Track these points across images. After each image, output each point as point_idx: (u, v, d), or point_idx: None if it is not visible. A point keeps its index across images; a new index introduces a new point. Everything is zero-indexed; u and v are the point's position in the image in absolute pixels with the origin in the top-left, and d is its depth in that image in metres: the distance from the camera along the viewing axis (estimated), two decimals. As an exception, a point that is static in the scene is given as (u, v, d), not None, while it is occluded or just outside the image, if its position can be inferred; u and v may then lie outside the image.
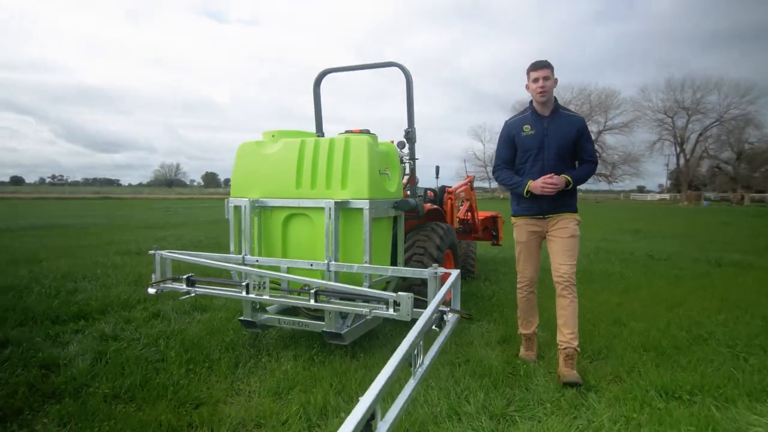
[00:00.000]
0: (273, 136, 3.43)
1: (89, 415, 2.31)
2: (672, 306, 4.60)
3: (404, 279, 3.63)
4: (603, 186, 57.36)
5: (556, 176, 2.95)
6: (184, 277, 3.23)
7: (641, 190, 77.34)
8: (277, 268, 3.11)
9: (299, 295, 3.09)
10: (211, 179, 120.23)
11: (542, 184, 2.94)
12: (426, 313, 2.07)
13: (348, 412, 1.87)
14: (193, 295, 3.23)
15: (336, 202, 2.99)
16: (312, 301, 2.82)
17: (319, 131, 4.34)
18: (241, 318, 3.32)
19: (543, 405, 2.49)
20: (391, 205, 3.34)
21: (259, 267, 3.15)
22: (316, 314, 3.31)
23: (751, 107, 47.22)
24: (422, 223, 4.33)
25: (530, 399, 2.58)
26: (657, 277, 6.23)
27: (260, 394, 2.61)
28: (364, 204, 3.02)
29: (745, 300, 4.83)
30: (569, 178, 2.98)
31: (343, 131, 3.56)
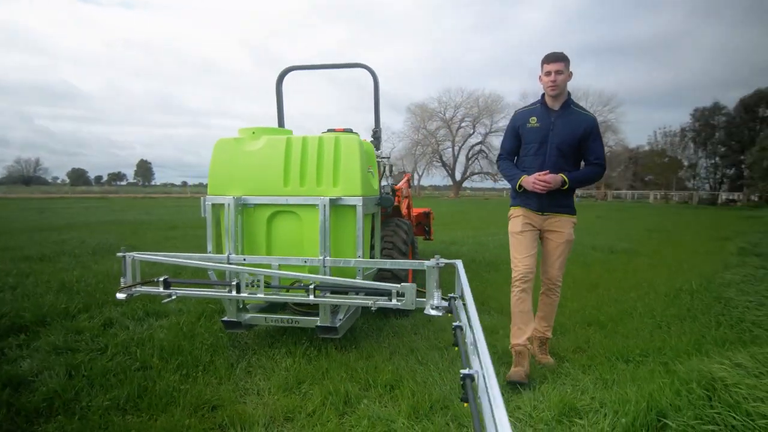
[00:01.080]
0: (253, 132, 3.38)
1: (98, 429, 2.16)
2: (590, 288, 5.30)
3: (383, 270, 3.80)
4: (489, 184, 62.09)
5: (551, 174, 2.83)
6: (161, 279, 3.07)
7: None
8: (267, 266, 3.10)
9: (287, 292, 3.12)
10: (79, 176, 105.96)
11: (534, 180, 2.83)
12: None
13: (370, 398, 1.98)
14: (174, 297, 3.08)
15: (331, 199, 3.07)
16: (311, 297, 2.88)
17: (280, 125, 4.32)
18: (225, 319, 3.23)
19: (532, 378, 2.83)
20: (375, 201, 3.48)
21: (249, 265, 3.11)
22: (306, 310, 3.34)
23: (611, 115, 54.23)
24: (383, 219, 4.52)
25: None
26: (569, 263, 7.06)
27: (271, 392, 2.62)
28: (358, 201, 3.13)
29: (645, 280, 5.73)
30: (565, 178, 2.85)
31: (325, 130, 3.61)
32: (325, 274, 3.07)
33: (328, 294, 2.96)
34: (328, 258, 3.08)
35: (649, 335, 3.55)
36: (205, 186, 3.45)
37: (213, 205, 3.28)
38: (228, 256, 3.18)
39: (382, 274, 3.91)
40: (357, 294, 2.98)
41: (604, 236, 10.85)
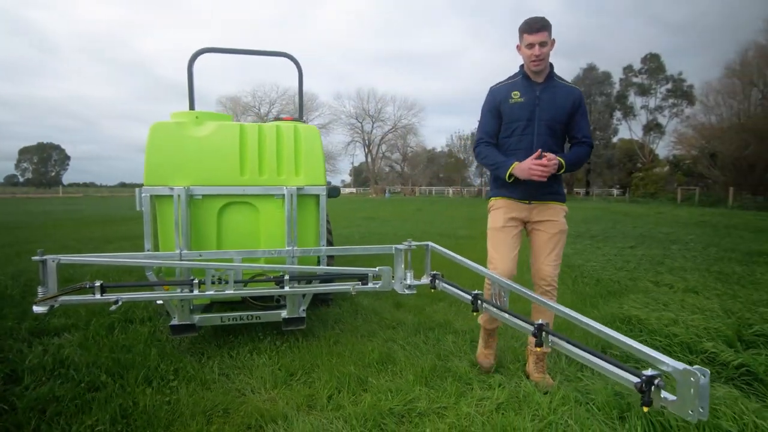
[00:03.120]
0: (197, 117, 3.09)
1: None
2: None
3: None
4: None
5: (551, 155, 2.41)
6: (97, 284, 2.63)
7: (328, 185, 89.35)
8: (229, 261, 2.90)
9: (245, 286, 2.98)
10: None
11: (531, 165, 2.40)
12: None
13: (372, 376, 2.16)
14: (120, 304, 2.66)
15: (297, 189, 3.04)
16: (287, 288, 2.84)
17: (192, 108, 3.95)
18: (174, 323, 2.91)
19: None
20: (325, 191, 3.52)
21: (210, 260, 2.87)
22: (264, 304, 3.22)
23: (414, 119, 60.64)
24: None
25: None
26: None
27: (267, 387, 2.52)
28: (321, 190, 3.16)
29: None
30: (563, 161, 2.46)
31: (272, 119, 3.48)
32: (293, 264, 3.04)
33: (302, 284, 2.94)
34: (296, 248, 3.04)
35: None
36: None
37: (152, 197, 2.91)
38: (180, 253, 2.87)
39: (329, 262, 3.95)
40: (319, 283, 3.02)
41: (439, 225, 12.29)
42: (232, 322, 3.06)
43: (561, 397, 2.27)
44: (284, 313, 3.08)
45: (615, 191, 43.71)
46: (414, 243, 3.08)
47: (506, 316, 2.24)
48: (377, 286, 2.96)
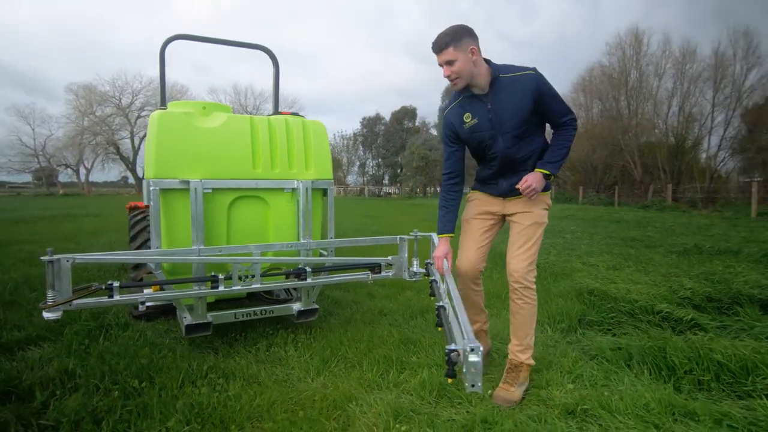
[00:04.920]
0: (204, 108, 2.97)
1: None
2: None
3: None
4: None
5: (530, 176, 2.26)
6: (116, 284, 2.45)
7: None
8: (249, 254, 2.86)
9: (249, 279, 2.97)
10: None
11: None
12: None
13: (409, 357, 2.41)
14: (145, 306, 2.51)
15: (313, 182, 3.10)
16: (310, 280, 2.91)
17: (163, 101, 3.70)
18: (191, 323, 2.77)
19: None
20: (333, 184, 3.58)
21: (230, 255, 2.80)
22: (269, 297, 3.20)
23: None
24: None
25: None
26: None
27: (315, 375, 2.57)
28: (329, 184, 3.25)
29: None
30: (545, 171, 2.28)
31: (271, 112, 3.43)
32: (308, 257, 3.09)
33: (320, 275, 3.02)
34: (311, 241, 3.10)
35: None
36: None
37: (162, 190, 2.75)
38: (198, 249, 2.76)
39: None
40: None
41: (346, 223, 12.54)
42: (245, 318, 3.01)
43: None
44: (297, 306, 3.12)
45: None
46: (420, 233, 3.32)
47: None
48: (390, 274, 3.16)
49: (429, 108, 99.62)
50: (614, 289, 3.62)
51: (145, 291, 2.76)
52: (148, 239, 3.38)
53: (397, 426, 2.02)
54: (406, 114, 51.76)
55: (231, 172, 2.94)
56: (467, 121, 2.37)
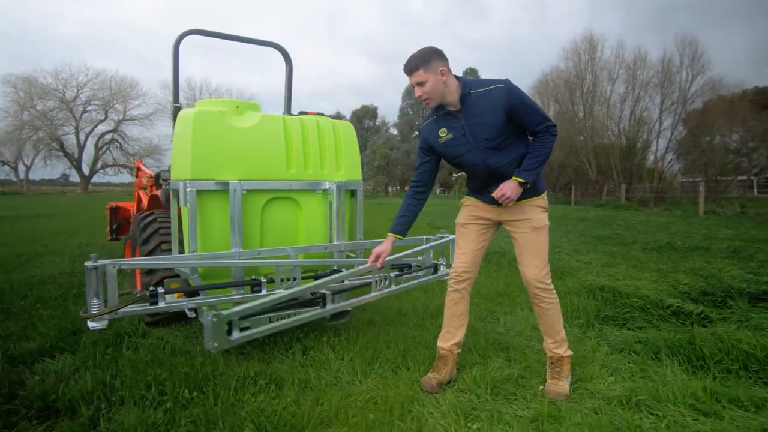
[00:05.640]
0: (237, 107, 2.89)
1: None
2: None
3: None
4: (126, 178, 56.15)
5: (506, 184, 2.28)
6: (161, 290, 2.38)
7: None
8: (286, 257, 2.82)
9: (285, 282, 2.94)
10: None
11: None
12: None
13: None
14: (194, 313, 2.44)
15: (345, 183, 3.08)
16: (347, 282, 2.90)
17: (176, 99, 3.56)
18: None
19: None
20: (362, 185, 3.57)
21: (272, 258, 2.75)
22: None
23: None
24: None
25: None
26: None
27: (363, 376, 2.57)
28: (359, 185, 3.24)
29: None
30: (520, 180, 2.29)
31: (296, 113, 3.37)
32: (342, 258, 3.08)
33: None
34: (345, 242, 3.09)
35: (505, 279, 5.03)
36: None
37: (198, 191, 2.66)
38: (238, 252, 2.69)
39: None
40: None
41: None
42: (280, 324, 2.95)
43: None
44: (329, 307, 3.09)
45: (437, 190, 48.81)
46: (449, 236, 3.37)
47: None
48: (421, 273, 3.20)
49: (389, 109, 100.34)
50: (623, 285, 3.81)
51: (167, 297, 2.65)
52: (163, 242, 3.26)
53: (468, 425, 2.06)
54: (367, 113, 51.77)
55: (266, 172, 2.88)
56: (443, 135, 2.42)
